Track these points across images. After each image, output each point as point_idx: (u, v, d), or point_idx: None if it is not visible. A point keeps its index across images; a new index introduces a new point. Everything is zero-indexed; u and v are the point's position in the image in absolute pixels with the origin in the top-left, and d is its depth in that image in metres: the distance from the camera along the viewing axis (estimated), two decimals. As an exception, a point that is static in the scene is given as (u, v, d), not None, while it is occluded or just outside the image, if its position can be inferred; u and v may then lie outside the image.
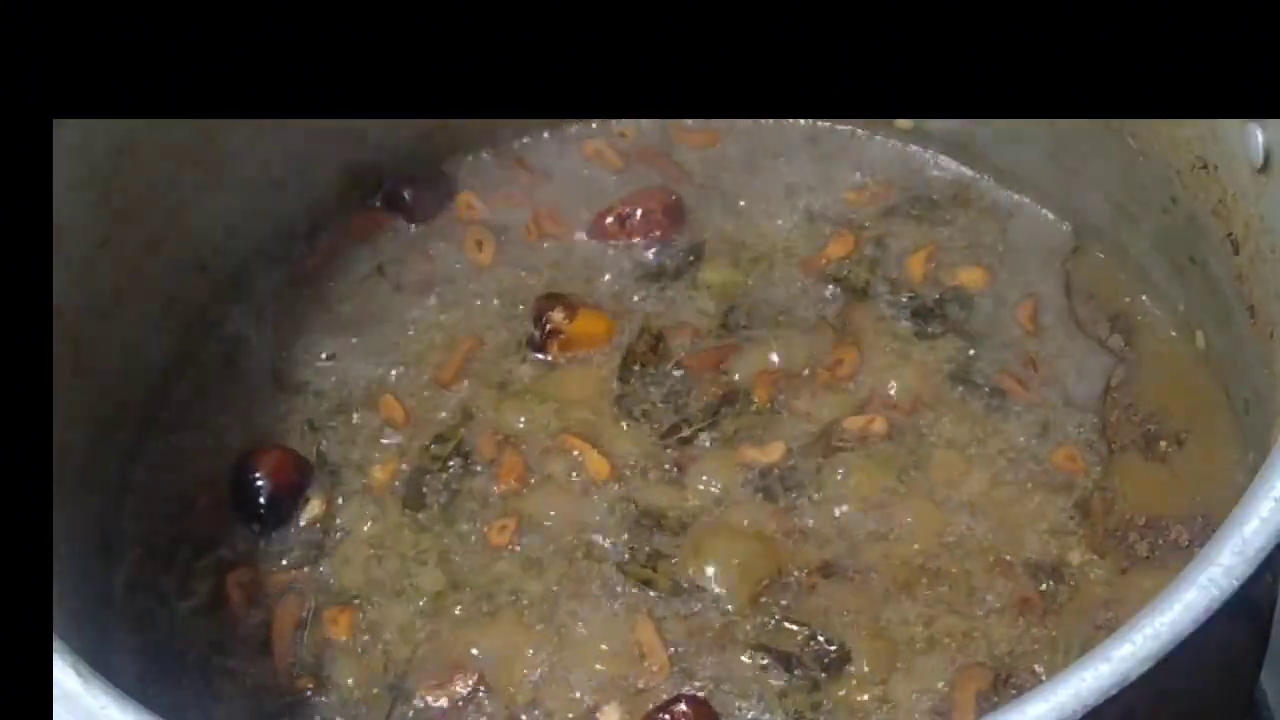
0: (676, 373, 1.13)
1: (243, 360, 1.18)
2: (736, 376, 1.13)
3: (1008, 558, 1.01)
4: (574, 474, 1.08)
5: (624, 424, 1.11)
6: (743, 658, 0.98)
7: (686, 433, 1.10)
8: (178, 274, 1.14)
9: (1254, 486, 0.71)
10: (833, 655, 0.97)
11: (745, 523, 1.04)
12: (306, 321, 1.20)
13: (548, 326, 1.15)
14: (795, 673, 0.97)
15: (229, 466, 1.10)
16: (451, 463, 1.10)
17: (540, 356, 1.16)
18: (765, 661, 0.97)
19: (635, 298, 1.18)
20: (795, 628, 0.99)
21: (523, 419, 1.12)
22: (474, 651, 1.00)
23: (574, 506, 1.07)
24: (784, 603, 1.00)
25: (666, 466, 1.08)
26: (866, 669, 0.97)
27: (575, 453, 1.09)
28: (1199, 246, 1.04)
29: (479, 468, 1.09)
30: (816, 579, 1.01)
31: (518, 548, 1.05)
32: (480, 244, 1.23)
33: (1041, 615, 0.98)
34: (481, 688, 0.98)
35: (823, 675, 0.96)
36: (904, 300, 1.16)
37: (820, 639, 0.98)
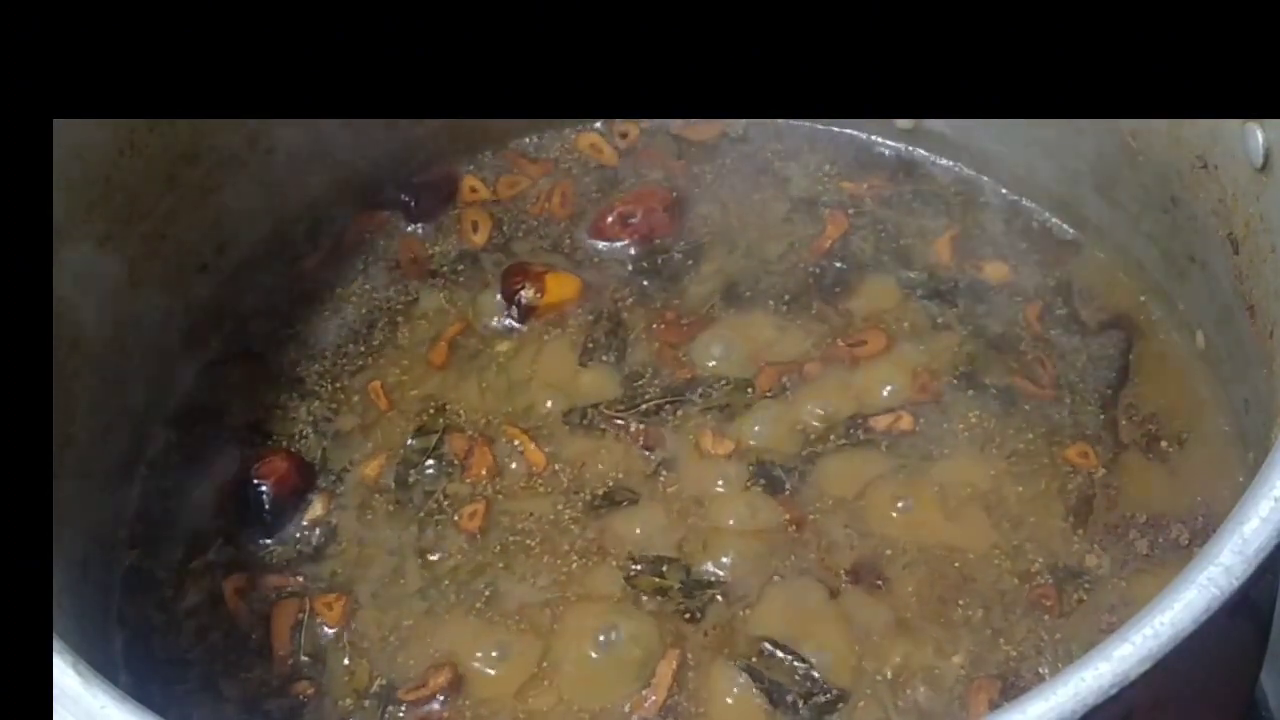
0: (647, 353, 1.15)
1: (243, 361, 1.18)
2: (732, 362, 1.13)
3: (1028, 559, 1.01)
4: (544, 466, 1.09)
5: (596, 413, 1.11)
6: (733, 686, 0.97)
7: (669, 416, 1.10)
8: (178, 274, 1.14)
9: (1254, 486, 0.71)
10: (828, 696, 0.96)
11: (749, 520, 1.04)
12: (306, 321, 1.20)
13: (522, 302, 1.16)
14: (785, 702, 0.96)
15: (232, 472, 1.10)
16: (430, 460, 1.10)
17: (518, 326, 1.17)
18: (758, 698, 0.96)
19: (634, 291, 1.19)
20: (794, 662, 0.97)
21: (499, 404, 1.13)
22: (460, 653, 1.00)
23: (546, 500, 1.07)
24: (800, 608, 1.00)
25: (649, 455, 1.09)
26: (867, 697, 0.96)
27: (515, 443, 1.10)
28: (1199, 246, 1.04)
29: (453, 460, 1.10)
30: (841, 583, 1.01)
31: (498, 545, 1.05)
32: (476, 225, 1.24)
33: (1055, 615, 0.98)
34: (466, 697, 0.98)
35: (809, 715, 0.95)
36: (912, 276, 1.17)
37: (816, 676, 0.96)
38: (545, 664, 0.99)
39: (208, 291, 1.18)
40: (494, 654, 1.00)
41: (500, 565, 1.04)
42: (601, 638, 0.99)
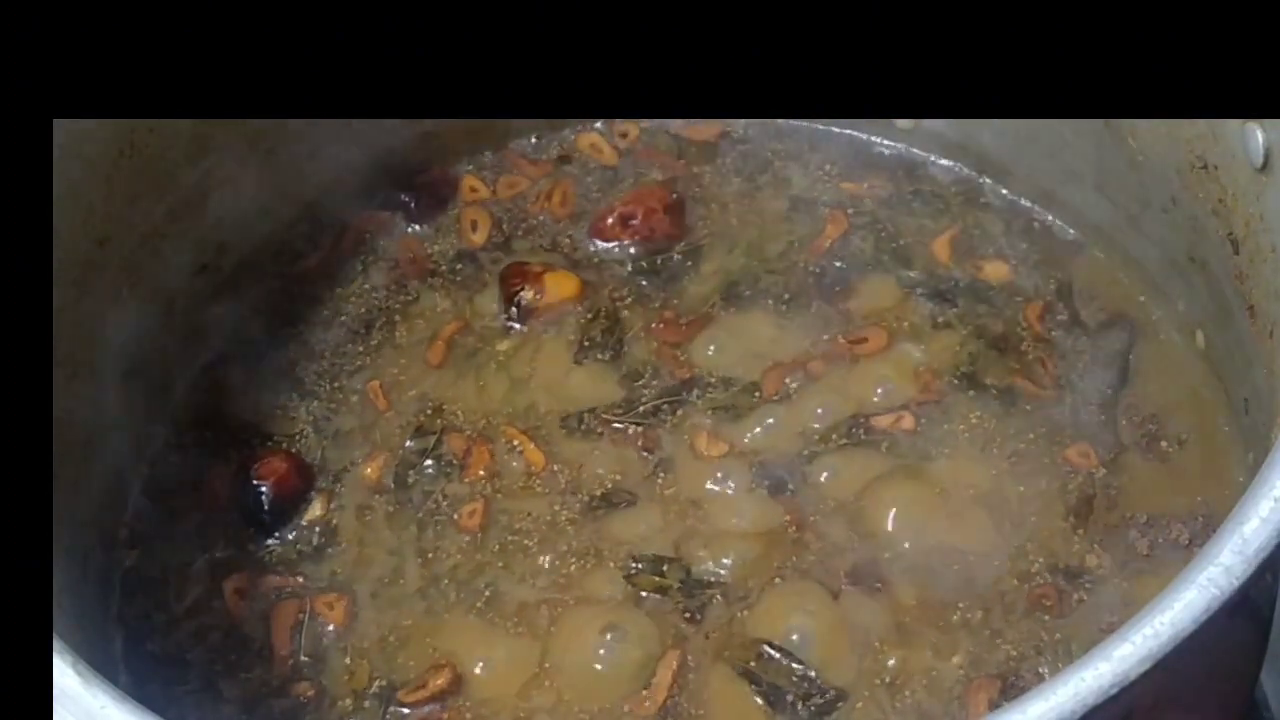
0: (646, 352, 1.15)
1: (243, 361, 1.18)
2: (732, 362, 1.13)
3: (1030, 559, 1.01)
4: (543, 466, 1.09)
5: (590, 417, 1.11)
6: (732, 687, 0.97)
7: (667, 417, 1.10)
8: (178, 274, 1.14)
9: (1254, 486, 0.71)
10: (826, 697, 0.96)
11: (750, 521, 1.04)
12: (306, 321, 1.20)
13: (521, 304, 1.17)
14: (783, 703, 0.96)
15: (231, 471, 1.10)
16: (429, 461, 1.10)
17: (518, 326, 1.17)
18: (757, 699, 0.96)
19: (633, 291, 1.19)
20: (792, 664, 0.97)
21: (497, 404, 1.13)
22: (460, 654, 1.00)
23: (544, 501, 1.07)
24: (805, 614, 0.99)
25: (647, 456, 1.08)
26: (865, 698, 0.96)
27: (514, 443, 1.10)
28: (1199, 246, 1.04)
29: (452, 460, 1.10)
30: (841, 585, 1.00)
31: (497, 545, 1.05)
32: (475, 224, 1.24)
33: (1055, 616, 0.98)
34: (466, 698, 0.98)
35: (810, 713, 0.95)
36: (912, 276, 1.17)
37: (814, 677, 0.96)
38: (546, 664, 0.99)
39: (208, 291, 1.18)
40: (494, 654, 0.99)
41: (500, 565, 1.04)
42: (605, 638, 0.98)
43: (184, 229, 1.13)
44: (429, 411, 1.13)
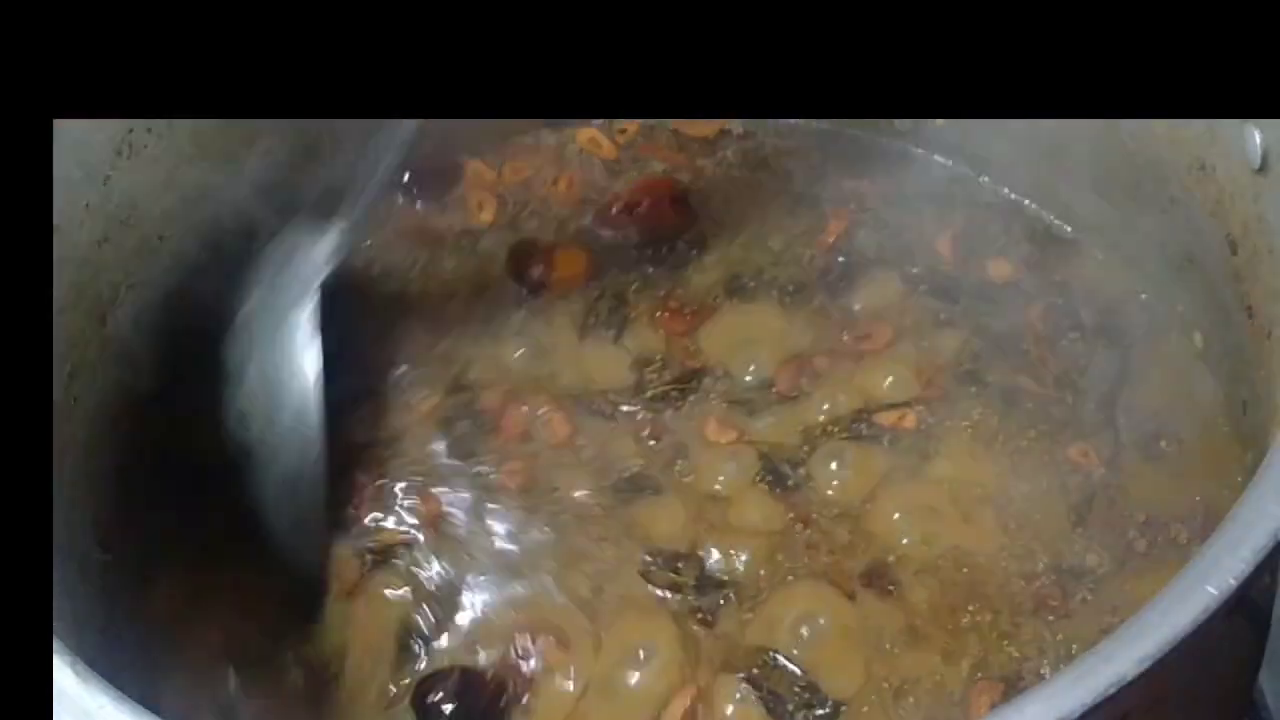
0: (653, 340, 1.15)
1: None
2: (739, 354, 1.13)
3: (1034, 559, 1.01)
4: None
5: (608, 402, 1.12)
6: (736, 695, 0.96)
7: (675, 405, 1.10)
8: (178, 274, 1.14)
9: (1252, 486, 0.71)
10: (828, 708, 0.96)
11: (757, 517, 1.04)
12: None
13: (531, 279, 1.18)
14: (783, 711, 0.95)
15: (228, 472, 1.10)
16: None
17: (526, 302, 1.18)
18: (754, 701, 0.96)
19: (638, 277, 1.19)
20: (795, 670, 0.97)
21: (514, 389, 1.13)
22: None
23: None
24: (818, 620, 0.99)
25: (655, 444, 1.09)
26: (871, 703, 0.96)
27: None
28: (1197, 247, 1.04)
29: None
30: (855, 587, 1.00)
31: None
32: (481, 205, 1.25)
33: (1060, 616, 0.98)
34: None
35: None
36: (915, 273, 1.17)
37: (817, 685, 0.96)
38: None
39: (207, 291, 1.18)
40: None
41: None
42: (638, 655, 0.98)
43: (184, 228, 1.13)
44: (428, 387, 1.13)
